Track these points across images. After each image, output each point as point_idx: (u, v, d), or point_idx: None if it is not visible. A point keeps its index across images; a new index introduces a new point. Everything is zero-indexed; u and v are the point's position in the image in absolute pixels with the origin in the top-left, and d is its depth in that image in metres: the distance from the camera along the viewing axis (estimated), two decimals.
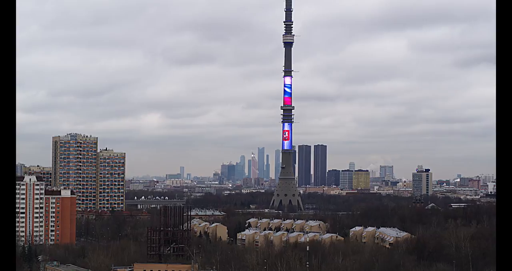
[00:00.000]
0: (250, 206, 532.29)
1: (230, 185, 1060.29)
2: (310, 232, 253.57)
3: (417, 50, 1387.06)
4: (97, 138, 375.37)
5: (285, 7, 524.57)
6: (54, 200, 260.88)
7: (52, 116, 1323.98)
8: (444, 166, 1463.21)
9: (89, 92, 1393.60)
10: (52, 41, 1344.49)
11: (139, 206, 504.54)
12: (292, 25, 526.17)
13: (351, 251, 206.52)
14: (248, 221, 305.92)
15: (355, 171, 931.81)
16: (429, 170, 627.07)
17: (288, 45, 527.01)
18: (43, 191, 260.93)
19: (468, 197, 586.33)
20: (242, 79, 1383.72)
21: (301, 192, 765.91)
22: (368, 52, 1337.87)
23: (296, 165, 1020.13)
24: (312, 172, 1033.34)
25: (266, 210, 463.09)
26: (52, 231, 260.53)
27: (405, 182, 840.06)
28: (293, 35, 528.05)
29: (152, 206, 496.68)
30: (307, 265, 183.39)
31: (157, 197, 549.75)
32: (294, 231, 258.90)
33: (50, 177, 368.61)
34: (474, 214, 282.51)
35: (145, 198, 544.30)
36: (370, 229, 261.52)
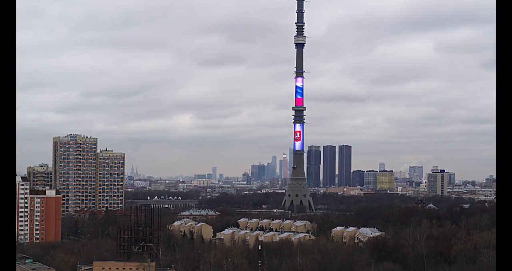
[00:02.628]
0: (263, 206, 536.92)
1: (258, 185, 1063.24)
2: (285, 231, 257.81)
3: (443, 51, 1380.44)
4: (96, 138, 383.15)
5: (296, 9, 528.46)
6: (38, 200, 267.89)
7: (85, 116, 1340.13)
8: (478, 166, 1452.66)
9: (121, 93, 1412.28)
10: (82, 43, 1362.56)
11: (152, 206, 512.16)
12: (303, 27, 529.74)
13: (317, 250, 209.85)
14: (238, 221, 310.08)
15: (379, 171, 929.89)
16: (444, 170, 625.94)
17: (299, 46, 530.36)
18: (28, 191, 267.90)
19: (483, 197, 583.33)
20: (271, 80, 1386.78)
21: (322, 192, 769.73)
22: (395, 53, 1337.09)
23: (321, 165, 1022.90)
24: (337, 172, 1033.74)
25: (275, 210, 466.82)
26: (37, 230, 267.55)
27: (425, 182, 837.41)
28: (305, 36, 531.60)
29: (165, 205, 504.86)
30: (260, 264, 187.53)
31: (170, 197, 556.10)
32: (270, 231, 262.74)
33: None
34: (457, 215, 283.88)
35: (158, 198, 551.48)
36: (350, 229, 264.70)
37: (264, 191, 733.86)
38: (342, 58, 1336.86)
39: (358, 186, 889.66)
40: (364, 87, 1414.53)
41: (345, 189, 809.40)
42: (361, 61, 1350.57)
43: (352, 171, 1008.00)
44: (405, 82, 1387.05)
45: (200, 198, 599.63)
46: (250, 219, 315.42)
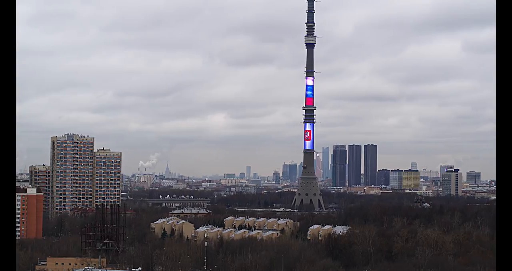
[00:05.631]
0: (274, 205, 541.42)
1: (285, 184, 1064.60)
2: (254, 230, 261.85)
3: (470, 51, 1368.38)
4: (93, 138, 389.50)
5: (307, 9, 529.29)
6: (19, 198, 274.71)
7: (119, 116, 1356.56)
8: None
9: (154, 93, 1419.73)
10: (113, 44, 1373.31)
11: (163, 204, 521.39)
12: (314, 27, 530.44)
13: (276, 247, 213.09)
14: (225, 219, 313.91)
15: (404, 171, 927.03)
16: (458, 170, 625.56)
17: (310, 46, 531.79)
18: None
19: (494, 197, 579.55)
20: (301, 80, 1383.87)
21: (342, 191, 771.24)
22: (423, 53, 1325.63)
23: (347, 165, 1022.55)
24: (362, 171, 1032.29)
25: (281, 209, 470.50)
26: (18, 227, 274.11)
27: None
28: (315, 36, 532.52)
29: (177, 204, 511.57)
30: (205, 260, 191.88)
31: (182, 196, 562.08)
32: (241, 229, 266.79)
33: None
34: (435, 214, 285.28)
35: (170, 196, 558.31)
36: (326, 227, 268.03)
37: (283, 190, 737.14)
38: (371, 58, 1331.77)
39: (382, 186, 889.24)
40: (395, 87, 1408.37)
41: (365, 188, 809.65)
42: (390, 61, 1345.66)
43: (377, 171, 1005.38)
44: (435, 82, 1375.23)
45: (215, 197, 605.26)
46: (237, 217, 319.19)
